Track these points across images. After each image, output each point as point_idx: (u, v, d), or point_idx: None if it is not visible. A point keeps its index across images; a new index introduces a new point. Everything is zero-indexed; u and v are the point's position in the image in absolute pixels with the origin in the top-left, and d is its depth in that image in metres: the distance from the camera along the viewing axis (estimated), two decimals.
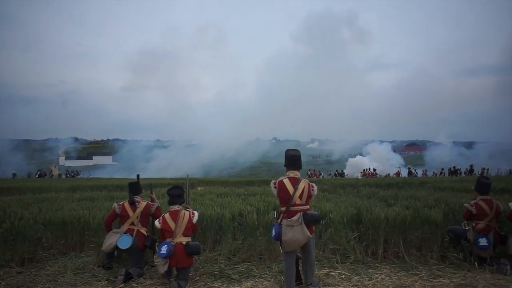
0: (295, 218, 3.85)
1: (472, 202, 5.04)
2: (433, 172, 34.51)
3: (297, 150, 4.22)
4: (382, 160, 49.06)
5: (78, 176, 39.55)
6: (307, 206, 4.01)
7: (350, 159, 53.71)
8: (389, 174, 32.48)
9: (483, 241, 4.73)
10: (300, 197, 3.93)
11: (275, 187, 3.99)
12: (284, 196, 3.94)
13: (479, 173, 28.71)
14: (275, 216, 4.09)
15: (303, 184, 3.98)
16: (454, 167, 31.81)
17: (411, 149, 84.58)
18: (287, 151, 4.20)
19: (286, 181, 3.97)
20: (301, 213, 3.88)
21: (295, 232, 3.80)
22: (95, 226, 5.36)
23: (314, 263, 4.16)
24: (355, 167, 46.29)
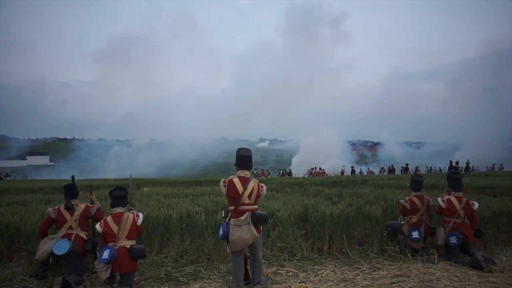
0: (243, 217, 3.87)
1: (407, 198, 5.48)
2: (370, 170, 36.82)
3: (248, 150, 4.23)
4: (333, 148, 51.21)
5: (8, 178, 36.02)
6: (255, 206, 4.05)
7: (304, 140, 55.17)
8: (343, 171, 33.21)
9: (415, 234, 5.15)
10: (249, 196, 3.96)
11: (224, 186, 3.98)
12: (233, 195, 3.94)
13: (413, 171, 31.22)
14: (223, 216, 4.07)
15: (252, 184, 4.01)
16: (392, 165, 34.23)
17: (358, 149, 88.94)
18: (238, 150, 4.19)
19: (236, 180, 3.98)
20: (249, 212, 3.91)
21: (242, 231, 3.82)
22: (28, 233, 4.89)
23: (262, 262, 4.20)
24: (309, 151, 47.47)
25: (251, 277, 4.15)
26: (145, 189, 12.50)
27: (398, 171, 32.70)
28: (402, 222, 5.45)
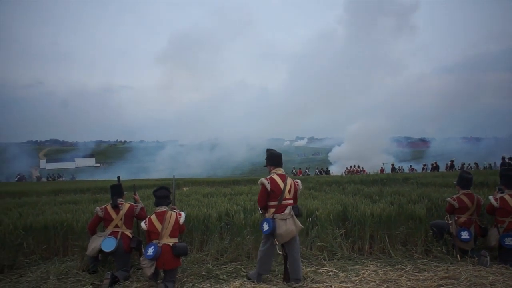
0: (286, 211, 4.12)
1: (455, 196, 5.17)
2: (412, 167, 35.20)
3: (276, 150, 4.50)
4: (381, 144, 49.21)
5: (60, 179, 38.62)
6: (293, 201, 4.27)
7: (350, 129, 53.56)
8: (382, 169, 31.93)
9: (465, 234, 4.86)
10: (289, 192, 4.22)
11: (268, 182, 4.18)
12: (276, 191, 4.16)
13: (459, 168, 29.49)
14: (261, 212, 4.32)
15: (290, 180, 4.29)
16: (435, 163, 32.52)
17: (411, 145, 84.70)
18: (271, 150, 4.46)
19: (276, 177, 4.24)
20: (291, 206, 4.15)
21: (288, 224, 4.06)
22: (79, 230, 5.24)
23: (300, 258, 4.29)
24: (355, 143, 45.87)
25: (290, 274, 4.19)
26: (184, 188, 12.89)
27: (443, 168, 30.97)
28: (449, 222, 5.17)
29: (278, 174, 4.28)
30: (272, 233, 4.06)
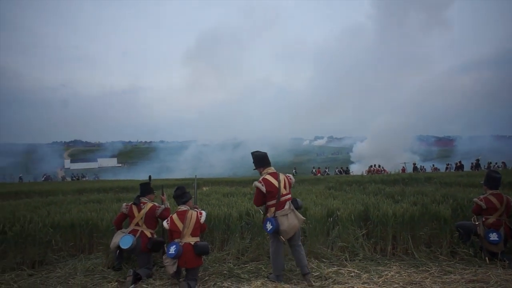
0: (286, 207, 4.21)
1: (482, 196, 4.99)
2: (435, 167, 34.19)
3: (259, 151, 4.56)
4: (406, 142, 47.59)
5: (84, 179, 39.77)
6: (290, 195, 4.37)
7: (373, 124, 52.28)
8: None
9: (493, 236, 4.68)
10: (285, 187, 4.30)
11: (262, 185, 4.23)
12: (273, 190, 4.22)
13: (486, 167, 28.45)
14: (263, 213, 4.40)
15: (282, 176, 4.38)
16: (459, 162, 31.50)
17: (437, 144, 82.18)
18: (256, 152, 4.52)
19: (269, 177, 4.30)
20: (290, 201, 4.28)
21: (290, 219, 4.15)
22: (104, 228, 5.39)
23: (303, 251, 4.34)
24: (379, 133, 44.62)
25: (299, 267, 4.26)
26: (204, 188, 13.01)
27: (468, 167, 29.91)
28: (477, 223, 4.99)
29: (270, 173, 4.34)
30: (276, 231, 4.12)
